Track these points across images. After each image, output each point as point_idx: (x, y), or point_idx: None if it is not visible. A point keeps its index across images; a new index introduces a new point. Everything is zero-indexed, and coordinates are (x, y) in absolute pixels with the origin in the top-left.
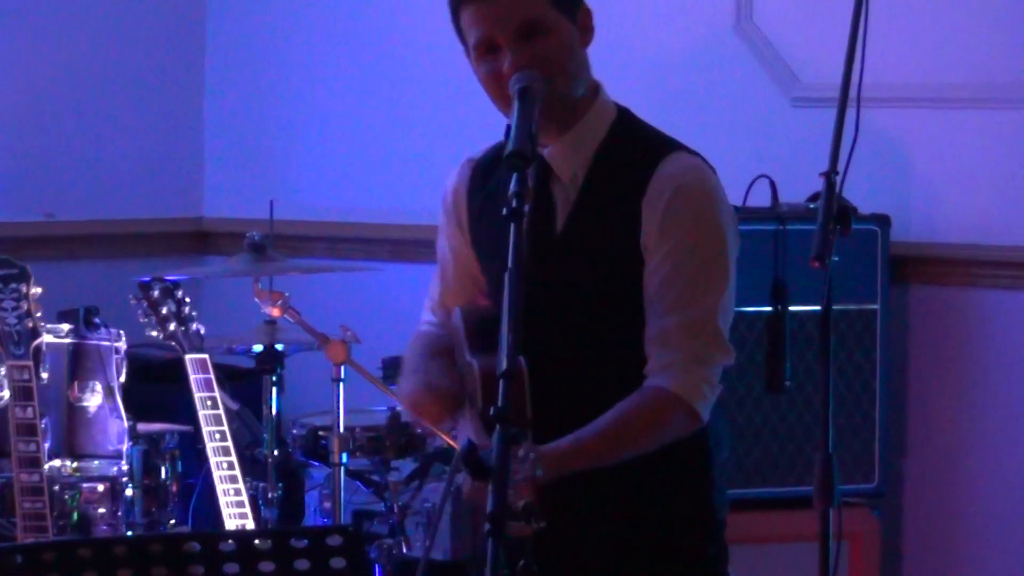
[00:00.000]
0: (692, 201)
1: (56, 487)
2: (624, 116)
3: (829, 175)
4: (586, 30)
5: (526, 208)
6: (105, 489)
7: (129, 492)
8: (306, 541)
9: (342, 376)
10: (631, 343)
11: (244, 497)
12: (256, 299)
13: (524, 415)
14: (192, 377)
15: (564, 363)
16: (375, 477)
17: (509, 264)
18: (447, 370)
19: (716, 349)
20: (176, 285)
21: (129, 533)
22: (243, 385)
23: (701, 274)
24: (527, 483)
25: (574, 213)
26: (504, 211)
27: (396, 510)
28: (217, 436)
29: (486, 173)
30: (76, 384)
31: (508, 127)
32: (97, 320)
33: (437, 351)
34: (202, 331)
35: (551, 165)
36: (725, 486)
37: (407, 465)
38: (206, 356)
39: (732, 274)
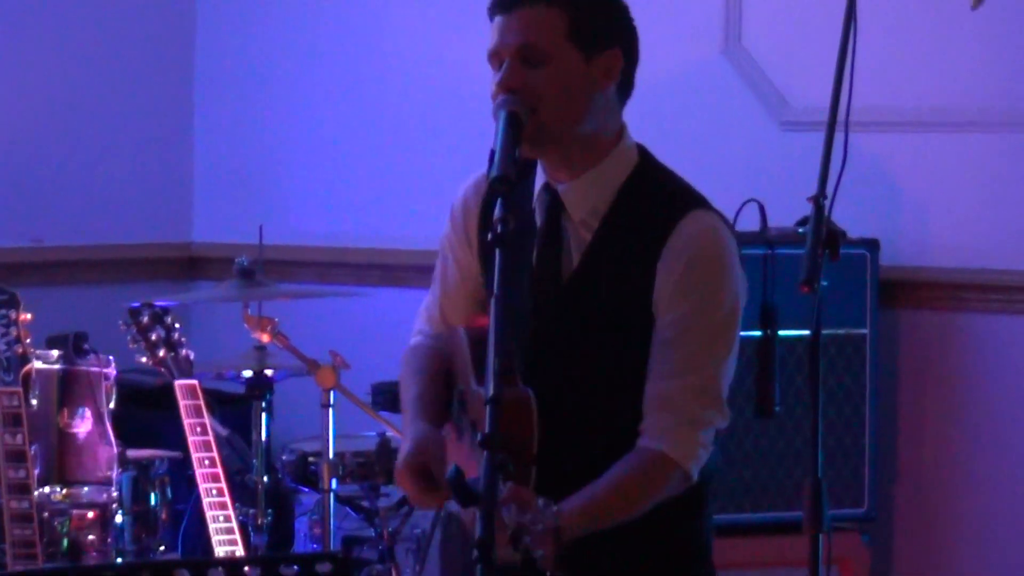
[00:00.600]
0: (707, 269)
1: (46, 514)
2: (646, 161)
3: (818, 199)
4: (608, 73)
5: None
6: (95, 516)
7: (119, 519)
8: (296, 567)
9: (332, 402)
10: (633, 388)
11: (234, 523)
12: (245, 325)
13: (530, 450)
14: (182, 403)
15: (567, 400)
16: (365, 503)
17: (496, 290)
18: (432, 436)
19: (715, 414)
20: (165, 311)
21: (119, 560)
22: (233, 411)
23: (708, 341)
24: (549, 533)
25: (589, 256)
26: (489, 236)
27: (386, 536)
28: (207, 462)
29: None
30: (66, 410)
31: (491, 151)
32: (87, 346)
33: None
34: (191, 357)
35: (564, 202)
36: (712, 514)
37: (397, 491)
38: (195, 382)
39: (737, 338)
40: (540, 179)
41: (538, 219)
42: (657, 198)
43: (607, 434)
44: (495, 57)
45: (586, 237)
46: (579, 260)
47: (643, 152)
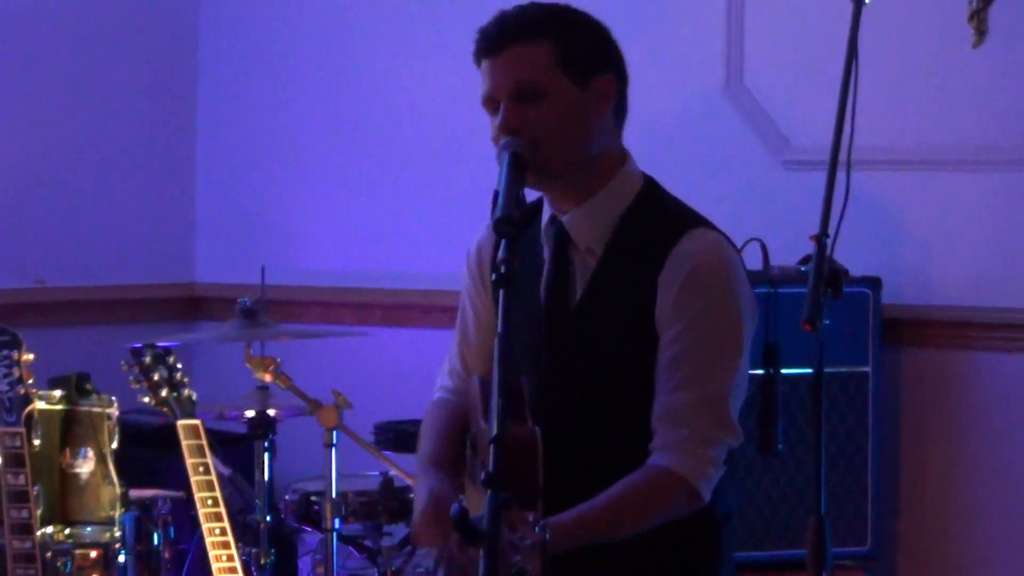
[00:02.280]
0: (708, 280)
1: (48, 554)
2: (651, 187)
3: (820, 238)
4: (603, 98)
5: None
6: (98, 555)
7: (122, 558)
8: None
9: (334, 441)
10: (643, 416)
11: (237, 563)
12: (248, 365)
13: (536, 484)
14: (184, 443)
15: (576, 431)
16: (368, 542)
17: (499, 330)
18: (445, 483)
19: (723, 430)
20: (168, 351)
21: None
22: (235, 451)
23: (713, 354)
24: (536, 548)
25: (593, 283)
26: (492, 277)
27: (389, 575)
28: (209, 502)
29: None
30: (68, 450)
31: (495, 193)
32: (89, 386)
33: (446, 441)
34: (194, 397)
35: (569, 232)
36: (733, 557)
37: (400, 530)
38: (198, 422)
39: (746, 355)
40: (547, 212)
41: (546, 252)
42: (660, 220)
43: (619, 460)
44: (490, 103)
45: (591, 264)
46: (584, 288)
47: (648, 179)
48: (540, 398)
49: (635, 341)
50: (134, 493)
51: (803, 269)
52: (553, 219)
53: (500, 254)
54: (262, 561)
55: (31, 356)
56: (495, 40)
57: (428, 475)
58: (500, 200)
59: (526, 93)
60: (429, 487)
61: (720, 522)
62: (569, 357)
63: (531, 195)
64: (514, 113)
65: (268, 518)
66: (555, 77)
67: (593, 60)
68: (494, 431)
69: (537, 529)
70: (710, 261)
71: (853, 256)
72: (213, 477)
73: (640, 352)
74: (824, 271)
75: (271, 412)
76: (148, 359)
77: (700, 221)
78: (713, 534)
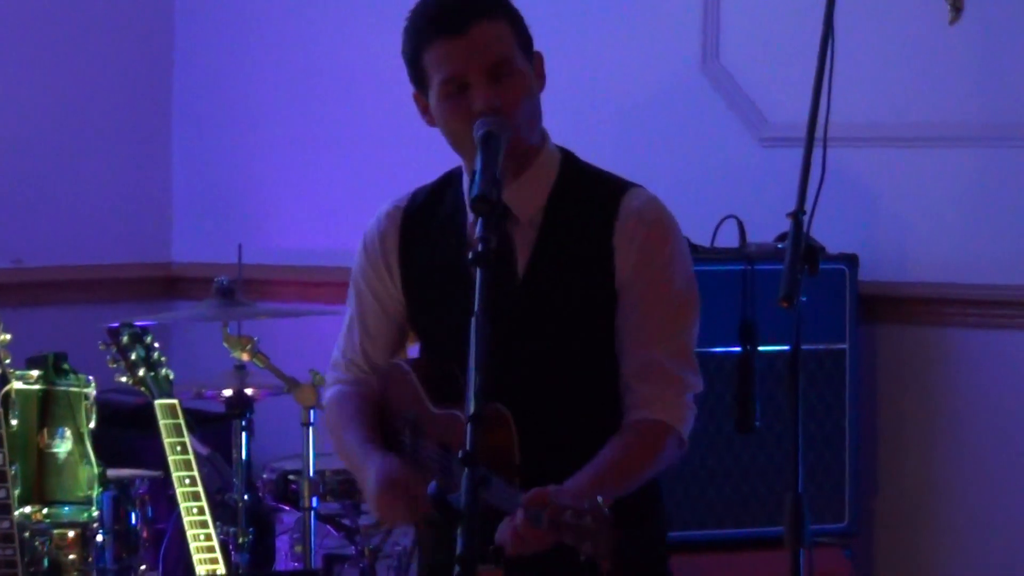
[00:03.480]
0: (664, 235)
1: (26, 534)
2: (569, 157)
3: (796, 215)
4: (540, 76)
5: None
6: (76, 535)
7: (100, 538)
8: None
9: (312, 420)
10: (603, 380)
11: (215, 542)
12: (225, 344)
13: (513, 460)
14: (162, 422)
15: (535, 406)
16: (346, 521)
17: (475, 308)
18: (398, 460)
19: (694, 377)
20: (145, 330)
21: None
22: (213, 430)
23: (680, 307)
24: (604, 529)
25: (536, 255)
26: (470, 256)
27: (367, 554)
28: (187, 481)
29: (422, 221)
30: (46, 430)
31: (474, 172)
32: (66, 366)
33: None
34: (171, 376)
35: (509, 207)
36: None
37: None
38: (175, 401)
39: (699, 297)
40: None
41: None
42: (592, 185)
43: (584, 424)
44: (451, 84)
45: (532, 235)
46: (529, 257)
47: (563, 150)
48: (498, 376)
49: (590, 301)
50: (112, 473)
51: (780, 246)
52: None
53: (477, 232)
54: (240, 540)
55: (8, 336)
56: (455, 17)
57: (373, 456)
58: (476, 179)
59: (502, 71)
60: (379, 464)
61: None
62: (521, 329)
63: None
64: (494, 90)
65: (246, 497)
66: (518, 55)
67: (529, 37)
68: (471, 410)
69: (592, 505)
70: (661, 218)
71: (829, 233)
72: (191, 456)
73: (596, 312)
74: (801, 248)
75: (248, 391)
76: (125, 338)
77: (630, 183)
78: (659, 496)
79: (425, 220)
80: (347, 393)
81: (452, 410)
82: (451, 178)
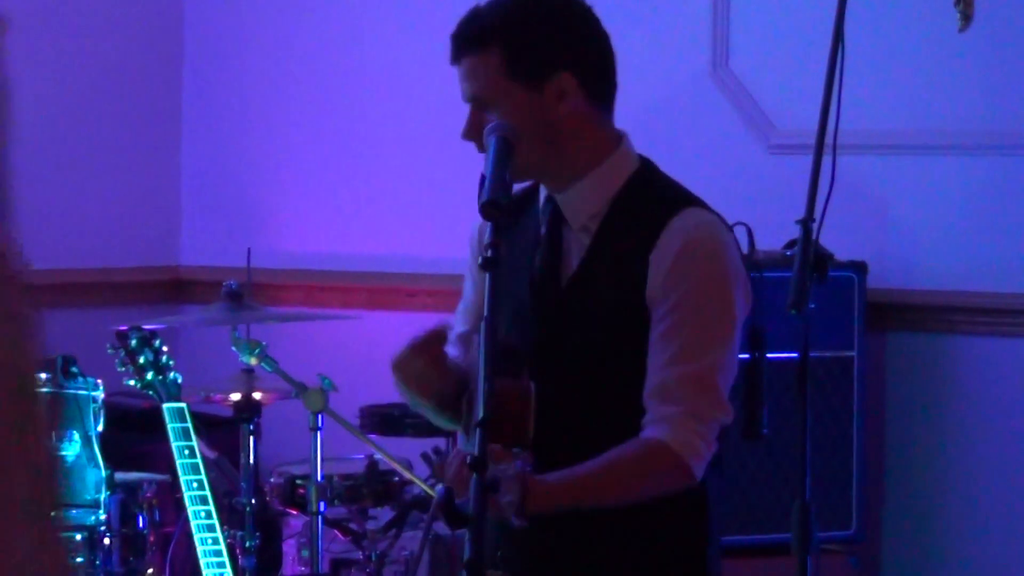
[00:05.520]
0: (701, 256)
1: None
2: (646, 168)
3: (805, 222)
4: (562, 97)
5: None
6: (83, 538)
7: (107, 541)
8: None
9: (320, 425)
10: (634, 392)
11: (222, 546)
12: (233, 348)
13: (526, 432)
14: (170, 426)
15: (566, 406)
16: (353, 526)
17: (485, 312)
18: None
19: (714, 406)
20: (153, 334)
21: None
22: (220, 434)
23: (704, 330)
24: (516, 478)
25: (586, 261)
26: (480, 261)
27: (374, 559)
28: (195, 485)
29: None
30: (54, 433)
31: (482, 176)
32: (75, 369)
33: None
34: (179, 380)
35: (563, 212)
36: (719, 539)
37: (385, 513)
38: (184, 405)
39: (736, 334)
40: (544, 191)
41: (543, 230)
42: (653, 200)
43: (609, 435)
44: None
45: (585, 242)
46: (577, 265)
47: (644, 160)
48: (532, 374)
49: (626, 317)
50: (119, 476)
51: (788, 253)
52: (549, 198)
53: (487, 238)
54: (247, 544)
55: None
56: (452, 50)
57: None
58: (487, 184)
59: (481, 104)
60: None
61: (710, 503)
62: (560, 333)
63: None
64: (473, 119)
65: (253, 501)
66: (504, 87)
67: (545, 62)
68: (479, 415)
69: (519, 462)
70: (702, 238)
71: (838, 240)
72: (198, 460)
73: (630, 328)
74: (810, 255)
75: (256, 395)
76: (134, 342)
77: (694, 201)
78: (701, 512)
79: (519, 217)
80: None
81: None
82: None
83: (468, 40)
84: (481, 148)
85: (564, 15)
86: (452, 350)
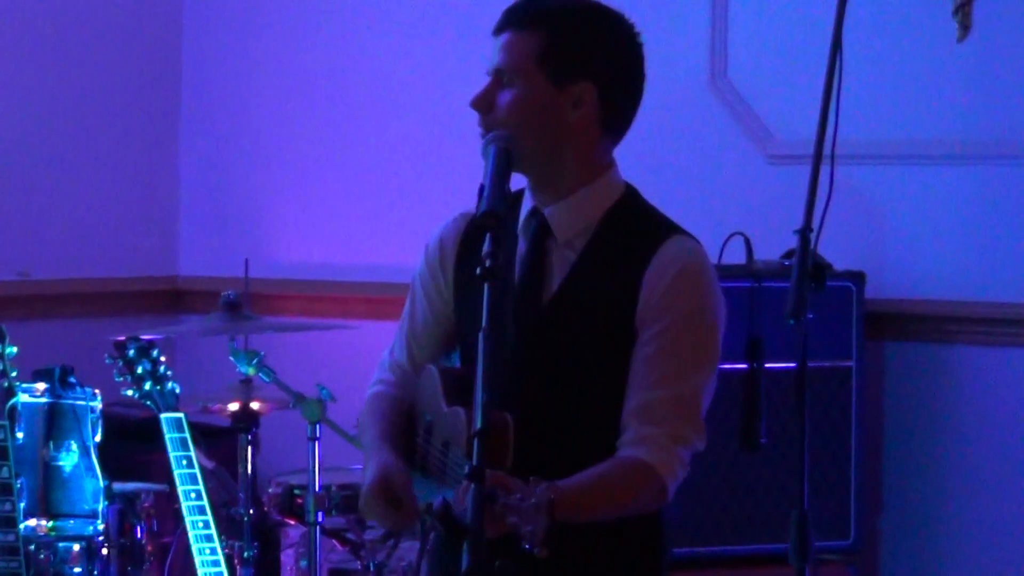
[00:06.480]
0: (694, 283)
1: (32, 547)
2: (632, 194)
3: (804, 232)
4: (578, 104)
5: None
6: (81, 548)
7: (105, 551)
8: None
9: (318, 434)
10: (612, 410)
11: (220, 556)
12: (231, 358)
13: (504, 463)
14: (167, 436)
15: (545, 422)
16: (351, 536)
17: (483, 324)
18: (397, 463)
19: (694, 431)
20: (151, 344)
21: None
22: (219, 444)
23: (693, 354)
24: (541, 508)
25: (571, 277)
26: (477, 271)
27: (372, 569)
28: (193, 495)
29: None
30: (52, 443)
31: (481, 186)
32: (73, 379)
33: (390, 427)
34: (177, 390)
35: (550, 224)
36: (671, 548)
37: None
38: (182, 415)
39: (718, 359)
40: (527, 205)
41: (522, 245)
42: (643, 223)
43: (587, 452)
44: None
45: (571, 258)
46: (561, 280)
47: (630, 187)
48: (510, 388)
49: (609, 335)
50: (117, 486)
51: (787, 263)
52: (534, 211)
53: (485, 248)
54: (245, 554)
55: (15, 349)
56: (500, 20)
57: (380, 451)
58: (486, 193)
59: (502, 77)
60: (379, 461)
61: (665, 523)
62: (540, 347)
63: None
64: (487, 92)
65: (251, 511)
66: (531, 69)
67: (577, 65)
68: (477, 425)
69: (539, 489)
70: (696, 266)
71: (836, 250)
72: (196, 470)
73: (613, 346)
74: (808, 265)
75: (254, 405)
76: (132, 352)
77: (680, 229)
78: (659, 534)
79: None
80: (380, 394)
81: (457, 408)
82: (521, 194)
83: (519, 16)
84: (483, 121)
85: (615, 36)
86: (389, 375)
